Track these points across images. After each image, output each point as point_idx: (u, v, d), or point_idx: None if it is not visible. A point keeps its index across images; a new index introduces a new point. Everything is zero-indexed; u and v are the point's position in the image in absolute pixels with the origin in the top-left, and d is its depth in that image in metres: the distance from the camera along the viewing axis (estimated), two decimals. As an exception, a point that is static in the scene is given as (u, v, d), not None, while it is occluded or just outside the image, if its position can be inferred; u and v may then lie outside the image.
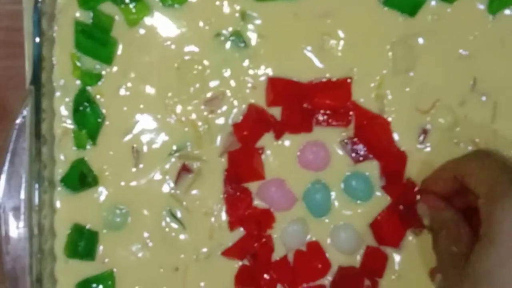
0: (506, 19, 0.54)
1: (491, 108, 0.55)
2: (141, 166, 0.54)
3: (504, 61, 0.55)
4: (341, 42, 0.54)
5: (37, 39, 0.52)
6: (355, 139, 0.55)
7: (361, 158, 0.55)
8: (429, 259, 0.53)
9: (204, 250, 0.54)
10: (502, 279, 0.45)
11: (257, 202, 0.55)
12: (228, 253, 0.55)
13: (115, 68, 0.53)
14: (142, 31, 0.53)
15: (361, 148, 0.55)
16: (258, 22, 0.54)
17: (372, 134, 0.55)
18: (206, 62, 0.54)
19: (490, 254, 0.45)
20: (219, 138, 0.54)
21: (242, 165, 0.54)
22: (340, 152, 0.55)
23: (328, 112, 0.54)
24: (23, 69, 0.53)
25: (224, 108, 0.54)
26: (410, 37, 0.54)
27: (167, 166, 0.54)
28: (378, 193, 0.55)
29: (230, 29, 0.54)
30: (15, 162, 0.51)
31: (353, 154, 0.55)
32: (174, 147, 0.54)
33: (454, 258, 0.49)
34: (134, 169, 0.54)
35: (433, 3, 0.54)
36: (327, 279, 0.55)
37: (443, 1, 0.54)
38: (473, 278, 0.46)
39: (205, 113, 0.54)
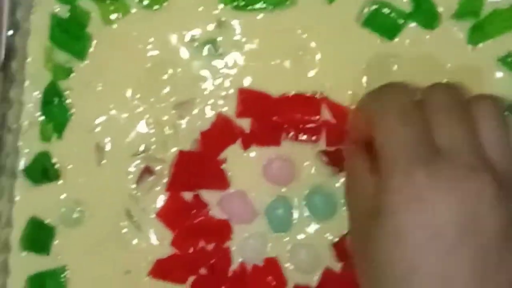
0: (484, 51, 0.54)
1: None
2: (103, 163, 0.53)
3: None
4: (317, 58, 0.54)
5: (11, 31, 0.52)
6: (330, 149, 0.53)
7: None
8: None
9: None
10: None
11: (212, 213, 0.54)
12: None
13: (86, 64, 0.53)
14: (117, 30, 0.53)
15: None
16: (235, 31, 0.54)
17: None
18: (179, 67, 0.54)
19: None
20: (185, 144, 0.54)
21: (199, 170, 0.53)
22: (307, 168, 0.54)
23: (298, 127, 0.54)
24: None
25: (194, 114, 0.54)
26: (386, 59, 0.54)
27: (130, 166, 0.53)
28: (341, 212, 0.53)
29: (206, 36, 0.54)
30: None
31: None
32: (139, 148, 0.53)
33: (361, 214, 0.44)
34: (96, 167, 0.53)
35: (412, 26, 0.54)
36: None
37: (423, 27, 0.54)
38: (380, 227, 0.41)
39: (174, 117, 0.54)
